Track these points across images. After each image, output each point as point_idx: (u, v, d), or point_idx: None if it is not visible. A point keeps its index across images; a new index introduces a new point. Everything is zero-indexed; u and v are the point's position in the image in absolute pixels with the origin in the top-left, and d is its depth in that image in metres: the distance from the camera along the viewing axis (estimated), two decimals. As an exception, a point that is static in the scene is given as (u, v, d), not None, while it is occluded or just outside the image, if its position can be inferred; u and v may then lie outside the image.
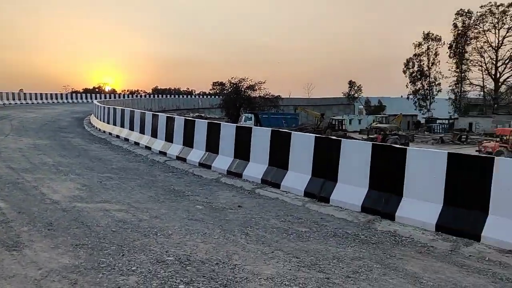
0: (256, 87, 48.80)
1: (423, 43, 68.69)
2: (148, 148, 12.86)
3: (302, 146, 7.87)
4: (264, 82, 49.30)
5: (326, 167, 7.39)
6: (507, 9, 61.35)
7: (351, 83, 77.33)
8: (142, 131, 14.05)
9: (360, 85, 77.65)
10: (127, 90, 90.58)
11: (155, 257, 4.40)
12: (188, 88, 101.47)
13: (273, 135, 8.53)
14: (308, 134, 8.56)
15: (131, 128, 15.14)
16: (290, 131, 8.66)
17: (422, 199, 6.10)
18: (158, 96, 64.19)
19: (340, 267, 4.48)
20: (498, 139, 29.85)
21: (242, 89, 48.78)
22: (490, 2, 62.28)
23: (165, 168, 10.26)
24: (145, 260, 4.30)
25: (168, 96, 68.80)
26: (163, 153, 11.81)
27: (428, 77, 68.94)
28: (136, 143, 13.92)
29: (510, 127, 37.64)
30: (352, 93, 76.86)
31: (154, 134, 12.98)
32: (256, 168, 8.66)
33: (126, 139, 14.99)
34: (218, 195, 7.63)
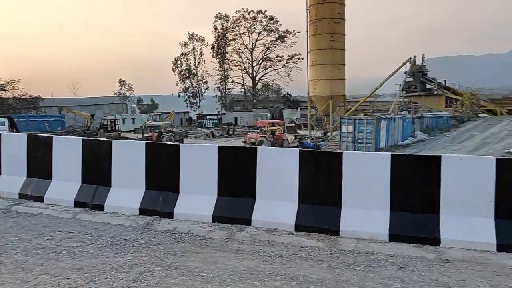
0: (8, 87, 42.64)
1: (189, 43, 72.27)
2: None
3: (67, 151, 7.05)
4: (18, 81, 43.54)
5: (98, 171, 6.81)
6: (256, 15, 70.15)
7: (121, 82, 75.39)
8: None
9: (130, 83, 76.47)
10: None
11: None
12: None
13: (30, 141, 7.36)
14: (74, 137, 7.75)
15: None
16: (51, 135, 7.64)
17: (198, 193, 6.23)
18: None
19: (119, 278, 4.12)
20: (258, 130, 33.78)
21: (-11, 90, 41.89)
22: (243, 8, 70.04)
23: None
24: None
25: None
26: None
27: (196, 76, 72.99)
28: None
29: (267, 120, 43.31)
30: (123, 91, 75.02)
31: None
32: (11, 181, 7.32)
33: None
34: (-41, 220, 6.13)
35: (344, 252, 5.00)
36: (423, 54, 48.93)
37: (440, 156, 5.41)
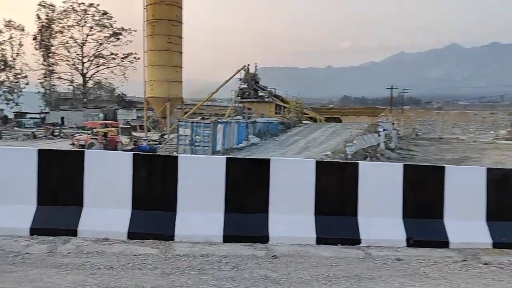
0: None
1: (4, 30, 63.15)
2: None
3: None
4: None
5: None
6: (88, 8, 65.16)
7: None
8: None
9: None
10: None
11: None
12: None
13: None
14: None
15: None
16: None
17: (13, 202, 5.42)
18: None
19: None
20: (89, 132, 31.46)
21: None
22: (72, -1, 64.19)
23: None
24: None
25: None
26: None
27: (13, 68, 64.06)
28: None
29: (99, 120, 40.66)
30: None
31: None
32: None
33: None
34: None
35: (178, 257, 4.93)
36: (255, 63, 52.21)
37: (269, 159, 5.77)
